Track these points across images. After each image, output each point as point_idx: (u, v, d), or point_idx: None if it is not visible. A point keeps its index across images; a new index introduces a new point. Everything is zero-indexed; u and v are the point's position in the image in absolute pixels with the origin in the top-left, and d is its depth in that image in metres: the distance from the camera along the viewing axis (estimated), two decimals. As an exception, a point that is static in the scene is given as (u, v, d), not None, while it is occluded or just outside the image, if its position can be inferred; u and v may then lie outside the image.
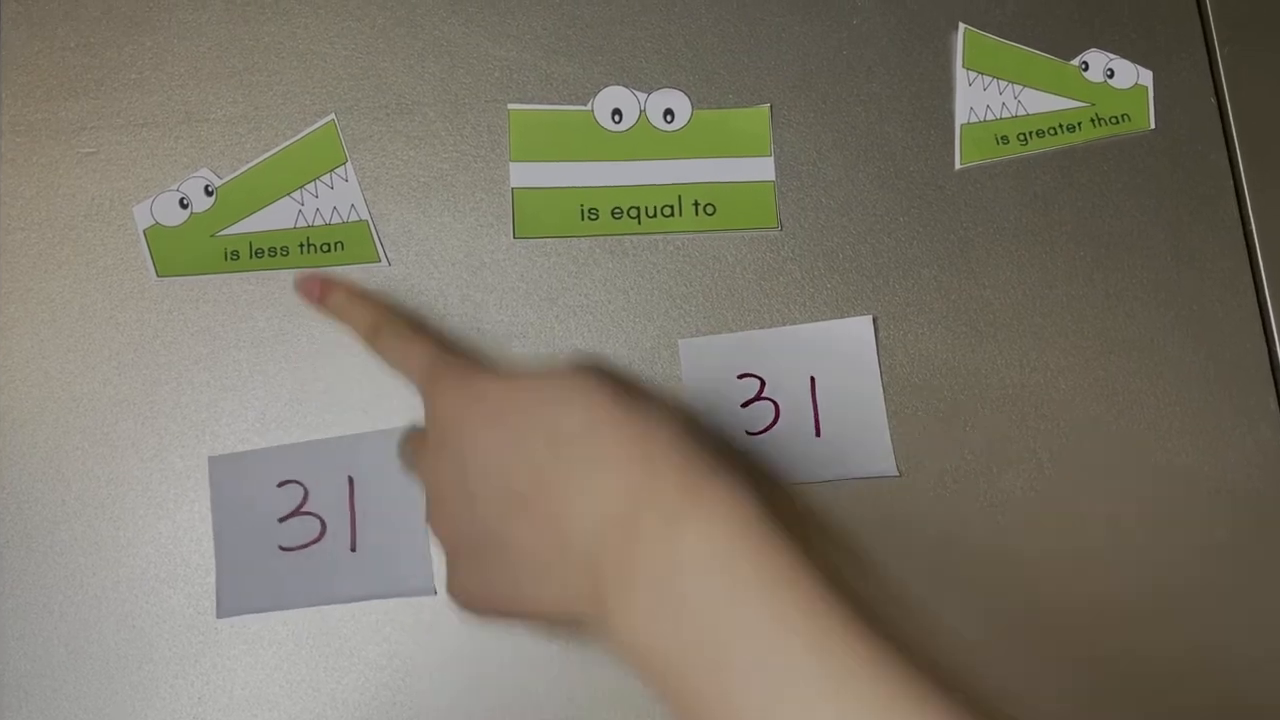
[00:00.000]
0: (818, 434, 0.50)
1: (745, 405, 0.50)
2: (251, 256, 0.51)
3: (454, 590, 0.39)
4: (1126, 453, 0.51)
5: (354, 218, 0.51)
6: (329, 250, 0.51)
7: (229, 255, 0.51)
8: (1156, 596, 0.49)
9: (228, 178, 0.51)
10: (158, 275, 0.51)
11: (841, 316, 0.52)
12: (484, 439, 0.37)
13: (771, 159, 0.53)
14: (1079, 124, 0.54)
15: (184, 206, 0.51)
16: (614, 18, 0.54)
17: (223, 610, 0.48)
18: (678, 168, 0.52)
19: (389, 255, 0.51)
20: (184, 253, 0.51)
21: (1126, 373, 0.52)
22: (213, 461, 0.49)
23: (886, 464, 0.50)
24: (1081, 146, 0.54)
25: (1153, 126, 0.54)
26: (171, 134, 0.52)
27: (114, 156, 0.52)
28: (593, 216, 0.52)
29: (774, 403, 0.50)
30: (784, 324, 0.51)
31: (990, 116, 0.54)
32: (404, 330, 0.44)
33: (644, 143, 0.53)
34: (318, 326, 0.51)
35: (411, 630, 0.48)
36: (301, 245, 0.51)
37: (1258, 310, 0.53)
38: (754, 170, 0.53)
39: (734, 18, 0.54)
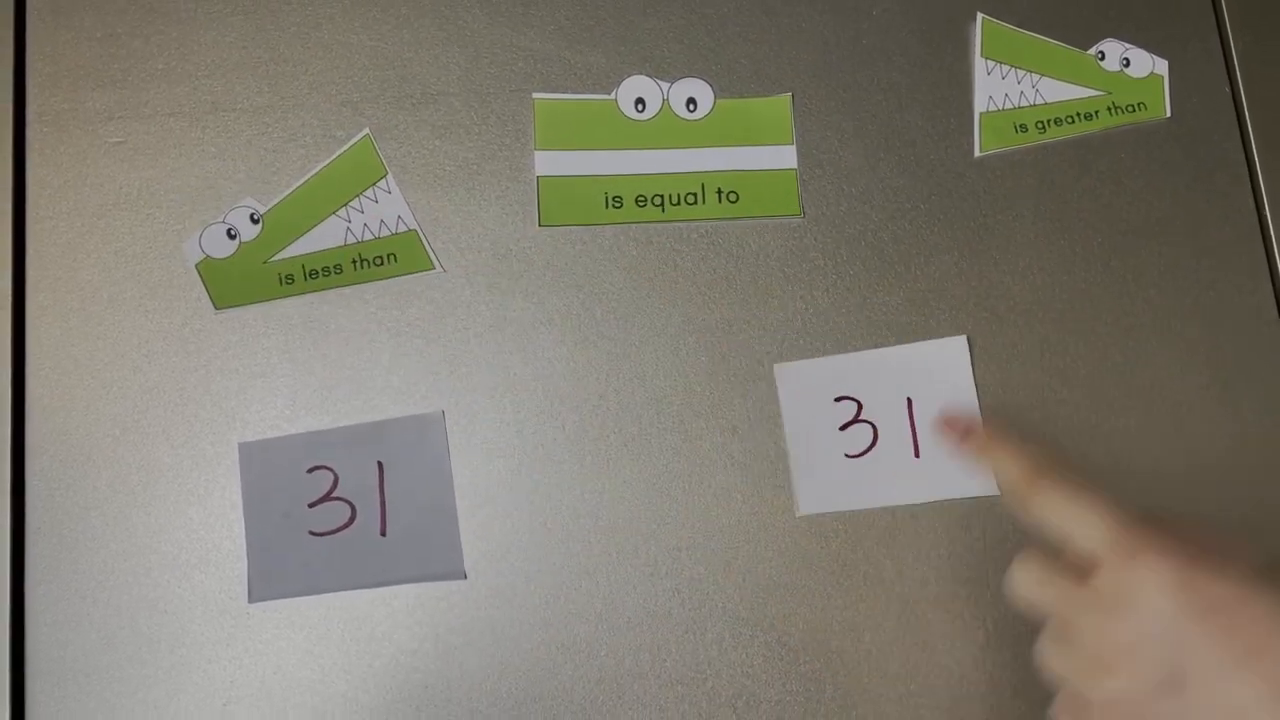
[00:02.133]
0: (916, 455, 0.50)
1: (844, 428, 0.51)
2: (306, 279, 0.51)
3: None
4: (1144, 436, 0.51)
5: (402, 228, 0.52)
6: (382, 264, 0.51)
7: (284, 280, 0.51)
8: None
9: (272, 204, 0.52)
10: (215, 308, 0.51)
11: (863, 302, 0.52)
12: (1210, 655, 0.31)
13: (793, 147, 0.53)
14: (1096, 112, 0.55)
15: (232, 237, 0.51)
16: (636, 8, 0.55)
17: (254, 595, 0.49)
18: (701, 156, 0.53)
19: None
20: (239, 282, 0.51)
21: (1143, 357, 0.52)
22: (243, 448, 0.50)
23: (987, 482, 0.50)
24: (1098, 135, 0.55)
25: (1168, 115, 0.55)
26: (198, 124, 0.53)
27: (141, 146, 0.52)
28: (617, 204, 0.52)
29: (872, 425, 0.51)
30: (807, 310, 0.52)
31: (1009, 105, 0.55)
32: (1072, 487, 0.36)
33: (667, 131, 0.53)
34: (345, 314, 0.51)
35: (442, 614, 0.49)
36: (354, 261, 0.51)
37: (1273, 295, 0.53)
38: (776, 158, 0.53)
39: (755, 8, 0.55)
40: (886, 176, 0.54)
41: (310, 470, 0.50)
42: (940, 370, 0.51)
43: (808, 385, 0.51)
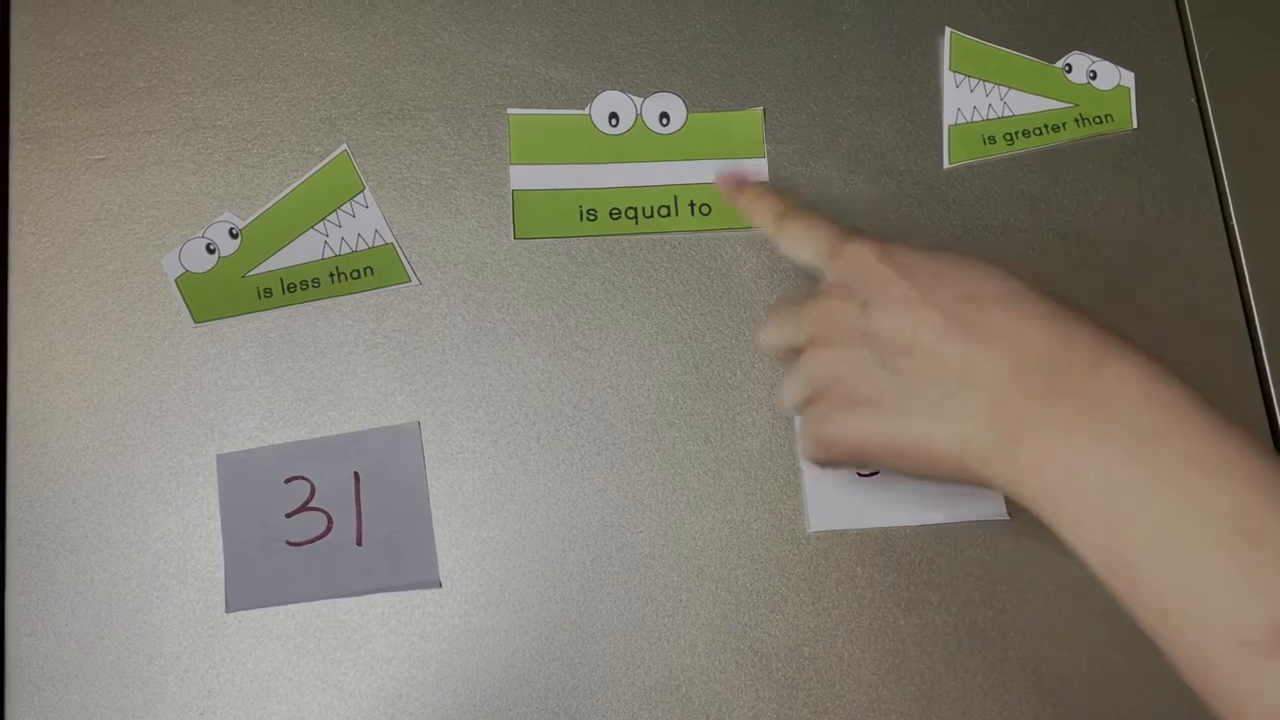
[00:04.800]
0: None
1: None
2: (284, 292, 0.52)
3: (824, 434, 0.40)
4: None
5: (379, 242, 0.52)
6: (359, 276, 0.52)
7: (262, 293, 0.52)
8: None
9: (250, 219, 0.52)
10: (195, 322, 0.51)
11: None
12: (895, 289, 0.38)
13: (765, 160, 0.54)
14: (1063, 124, 0.55)
15: (211, 251, 0.52)
16: (610, 25, 0.56)
17: (232, 604, 0.49)
18: (674, 169, 0.54)
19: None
20: (218, 297, 0.52)
21: None
22: (221, 459, 0.50)
23: (997, 508, 0.51)
24: (1066, 146, 0.56)
25: (1135, 126, 0.56)
26: (179, 140, 0.54)
27: (122, 163, 0.53)
28: (591, 217, 0.53)
29: None
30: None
31: (977, 117, 0.55)
32: (809, 216, 0.43)
33: (641, 145, 0.54)
34: (323, 326, 0.52)
35: (417, 623, 0.49)
36: (331, 275, 0.52)
37: (1241, 307, 0.54)
38: (749, 171, 0.54)
39: (728, 23, 0.56)
40: (856, 188, 0.55)
41: (287, 481, 0.50)
42: None
43: None
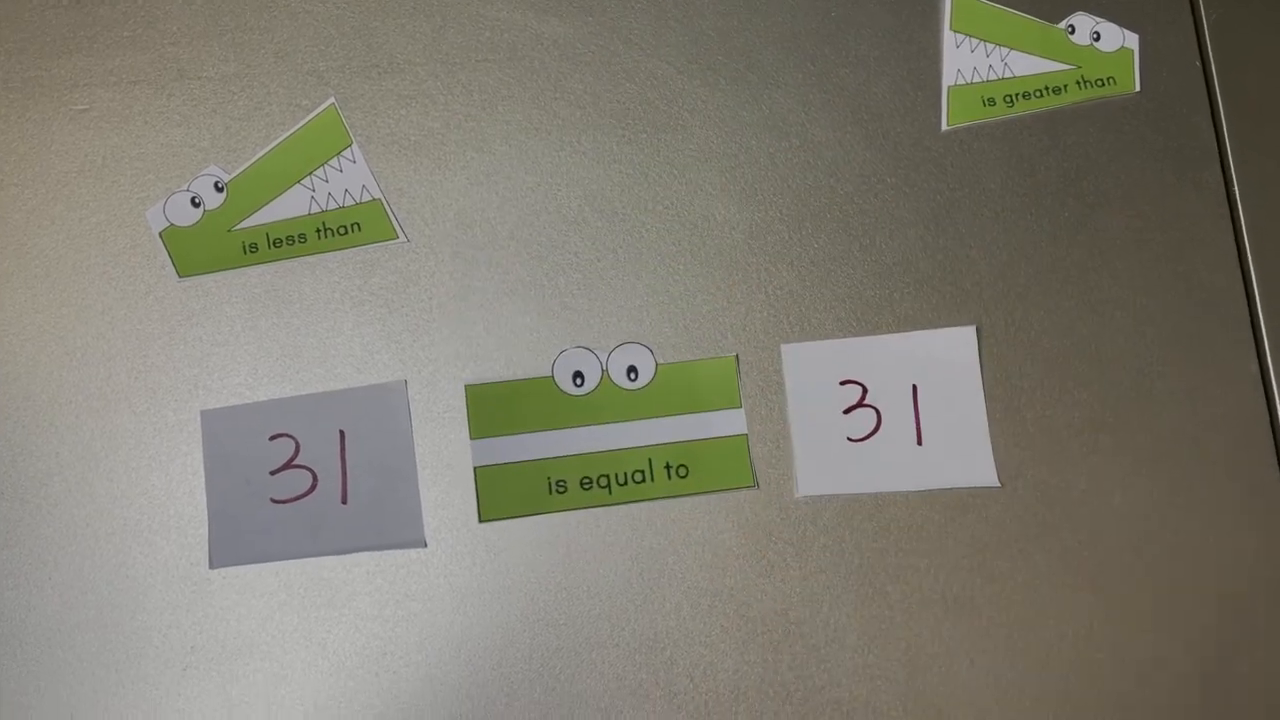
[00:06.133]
0: (919, 442, 0.50)
1: (848, 411, 0.51)
2: (270, 247, 0.51)
3: None
4: (1108, 408, 0.51)
5: (366, 198, 0.51)
6: (346, 232, 0.51)
7: (247, 248, 0.51)
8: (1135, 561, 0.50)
9: (236, 172, 0.51)
10: (179, 276, 0.50)
11: (826, 276, 0.52)
12: None
13: (743, 410, 0.51)
14: (1064, 86, 0.54)
15: (196, 205, 0.51)
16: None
17: (215, 561, 0.49)
18: (646, 428, 0.50)
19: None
20: (203, 251, 0.51)
21: (1110, 331, 0.52)
22: (205, 415, 0.50)
23: (988, 475, 0.50)
24: (1067, 109, 0.54)
25: (1138, 89, 0.55)
26: (164, 91, 0.53)
27: (106, 113, 0.52)
28: (560, 489, 0.49)
29: (876, 410, 0.51)
30: (770, 285, 0.52)
31: (977, 79, 0.54)
32: None
33: (608, 405, 0.50)
34: (309, 283, 0.51)
35: (402, 581, 0.49)
36: (318, 230, 0.51)
37: (1239, 269, 0.53)
38: (724, 424, 0.50)
39: (723, -22, 0.55)
40: (853, 150, 0.54)
41: (272, 438, 0.50)
42: (947, 359, 0.51)
43: (814, 366, 0.51)
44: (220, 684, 0.48)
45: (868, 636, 0.49)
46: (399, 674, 0.48)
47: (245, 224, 0.51)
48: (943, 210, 0.53)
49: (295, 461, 0.50)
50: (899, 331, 0.52)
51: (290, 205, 0.51)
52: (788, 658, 0.49)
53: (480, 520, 0.49)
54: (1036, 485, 0.50)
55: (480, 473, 0.49)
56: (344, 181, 0.52)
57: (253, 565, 0.49)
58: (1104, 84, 0.54)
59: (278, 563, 0.49)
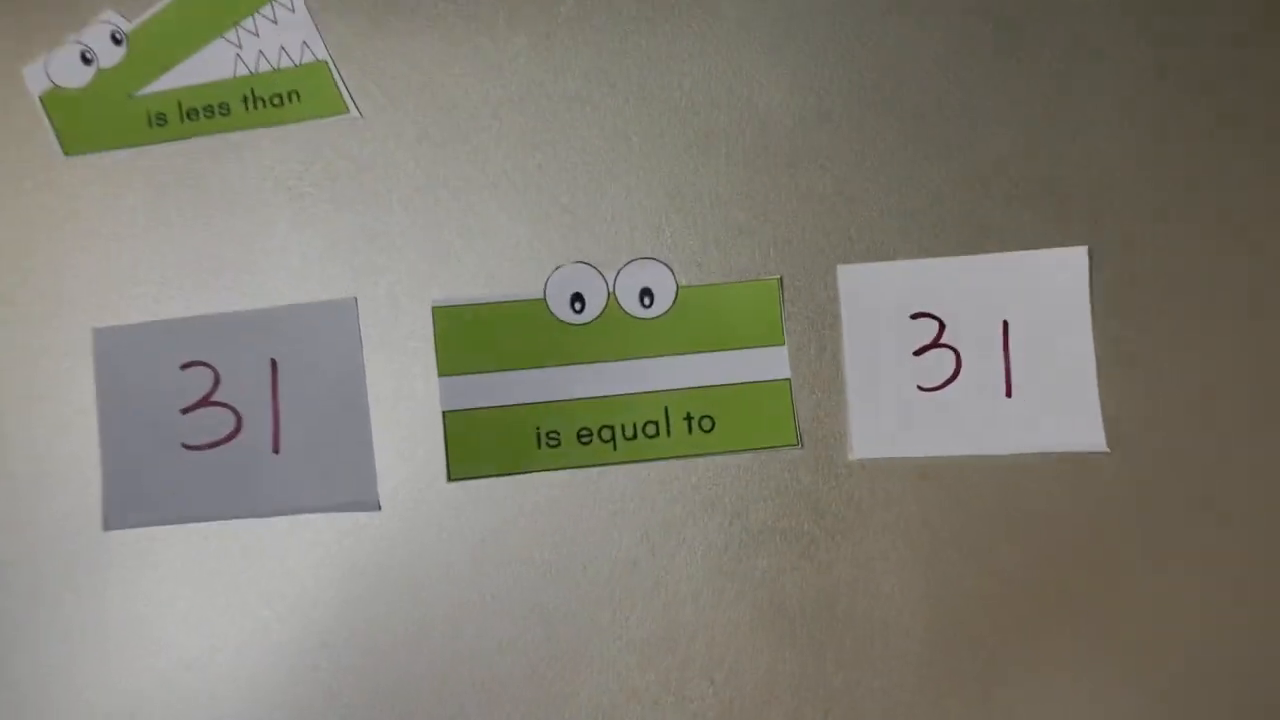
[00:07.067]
0: (1009, 394, 0.44)
1: (919, 353, 0.44)
2: (183, 120, 0.45)
3: None
4: (1241, 364, 0.43)
5: (307, 58, 0.45)
6: (281, 103, 0.44)
7: (154, 120, 0.45)
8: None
9: (139, 20, 0.44)
10: (65, 154, 0.44)
11: (893, 182, 0.44)
12: None
13: (785, 349, 0.43)
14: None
15: (88, 62, 0.45)
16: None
17: (110, 522, 0.42)
18: (662, 368, 0.44)
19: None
20: (96, 122, 0.45)
21: (1254, 266, 0.43)
22: (98, 334, 0.43)
23: (1094, 436, 0.43)
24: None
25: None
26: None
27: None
28: (553, 442, 0.43)
29: (955, 350, 0.44)
30: (824, 190, 0.43)
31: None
32: None
33: (615, 336, 0.43)
34: (234, 168, 0.44)
35: (349, 553, 0.43)
36: (245, 99, 0.45)
37: None
38: (762, 365, 0.44)
39: None
40: (934, 22, 0.44)
41: (184, 366, 0.43)
42: (1048, 289, 0.44)
43: (877, 294, 0.44)
44: (116, 675, 0.42)
45: (937, 637, 0.43)
46: (343, 668, 0.43)
47: (151, 88, 0.45)
48: (1051, 103, 0.44)
49: (213, 397, 0.43)
50: (987, 253, 0.44)
51: (209, 65, 0.45)
52: (833, 660, 0.43)
53: (449, 479, 0.43)
54: (1154, 452, 0.43)
55: (450, 418, 0.43)
56: (279, 36, 0.45)
57: (158, 528, 0.43)
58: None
59: (189, 525, 0.43)
